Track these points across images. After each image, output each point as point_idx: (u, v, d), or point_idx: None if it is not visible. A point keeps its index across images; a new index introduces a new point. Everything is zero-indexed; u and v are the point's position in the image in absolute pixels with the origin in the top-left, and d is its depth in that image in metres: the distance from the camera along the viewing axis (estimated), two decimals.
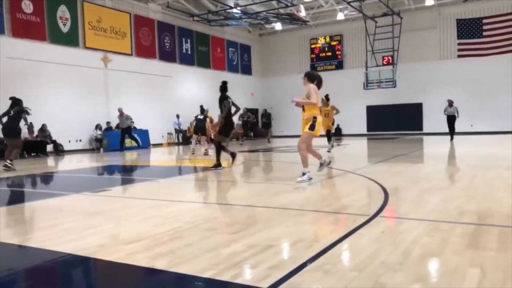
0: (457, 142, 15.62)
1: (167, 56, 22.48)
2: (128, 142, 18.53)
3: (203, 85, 24.15)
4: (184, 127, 22.24)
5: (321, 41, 27.90)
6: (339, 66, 27.44)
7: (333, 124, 13.27)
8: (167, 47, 22.53)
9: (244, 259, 2.77)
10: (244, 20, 25.17)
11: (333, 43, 27.68)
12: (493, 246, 2.90)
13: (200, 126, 13.68)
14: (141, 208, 4.95)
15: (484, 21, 23.05)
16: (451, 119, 17.04)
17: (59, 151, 16.29)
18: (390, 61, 24.20)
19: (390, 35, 23.82)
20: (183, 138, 22.26)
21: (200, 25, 24.33)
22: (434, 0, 23.12)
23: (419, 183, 6.28)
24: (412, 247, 2.91)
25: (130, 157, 14.69)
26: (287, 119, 27.40)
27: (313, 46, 28.19)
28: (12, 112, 9.95)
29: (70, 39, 17.55)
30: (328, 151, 11.91)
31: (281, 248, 3.14)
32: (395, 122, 25.41)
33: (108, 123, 18.67)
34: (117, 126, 17.90)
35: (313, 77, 6.41)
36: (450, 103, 17.10)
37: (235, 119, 11.67)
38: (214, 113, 19.92)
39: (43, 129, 15.88)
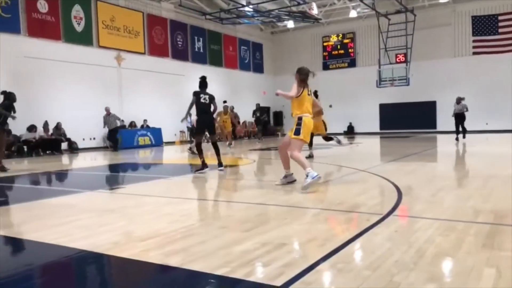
0: (472, 141, 15.40)
1: (180, 54, 22.58)
2: (141, 140, 18.70)
3: (215, 83, 24.12)
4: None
5: (334, 39, 27.75)
6: (352, 64, 27.27)
7: (325, 126, 10.13)
8: (180, 45, 22.63)
9: (257, 257, 2.78)
10: (256, 18, 25.14)
11: (346, 40, 27.51)
12: (509, 246, 2.85)
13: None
14: (154, 205, 4.99)
15: (500, 17, 22.67)
16: (459, 118, 15.52)
17: (73, 149, 16.50)
18: (403, 59, 23.95)
19: (403, 32, 23.56)
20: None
21: (212, 24, 24.38)
22: None
23: (433, 182, 6.21)
24: (426, 246, 2.88)
25: (143, 155, 14.81)
26: None
27: (325, 44, 28.04)
28: None
29: (84, 38, 17.74)
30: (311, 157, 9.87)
31: (293, 246, 3.14)
32: (409, 120, 25.16)
33: (121, 121, 18.84)
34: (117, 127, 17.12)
35: (297, 71, 5.75)
36: (458, 100, 15.62)
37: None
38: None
39: (57, 127, 16.09)
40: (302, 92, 5.66)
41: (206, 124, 8.10)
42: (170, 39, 22.05)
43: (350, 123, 27.32)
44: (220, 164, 8.03)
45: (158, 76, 20.88)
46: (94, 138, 18.13)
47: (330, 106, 28.01)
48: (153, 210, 4.79)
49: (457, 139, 15.44)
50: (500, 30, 22.68)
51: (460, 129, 15.66)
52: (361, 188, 5.58)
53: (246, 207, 4.59)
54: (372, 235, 3.27)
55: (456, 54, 24.11)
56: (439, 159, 10.53)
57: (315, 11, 23.05)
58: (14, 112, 9.53)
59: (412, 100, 24.94)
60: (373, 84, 24.48)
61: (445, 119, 23.49)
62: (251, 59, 28.21)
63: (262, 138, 20.79)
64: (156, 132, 19.69)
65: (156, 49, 21.18)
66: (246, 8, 23.03)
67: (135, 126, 19.42)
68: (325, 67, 27.87)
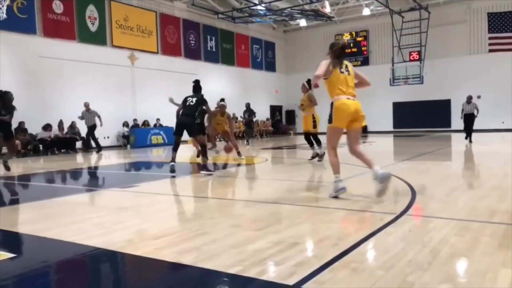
0: (488, 140, 15.17)
1: (192, 53, 22.68)
2: (154, 138, 18.84)
3: (227, 82, 24.27)
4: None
5: (347, 37, 27.55)
6: (365, 62, 27.06)
7: (314, 122, 8.89)
8: (192, 44, 22.73)
9: (270, 256, 2.78)
10: (269, 17, 25.11)
11: (359, 39, 27.33)
12: None
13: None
14: (167, 204, 5.03)
15: None
16: (468, 118, 14.53)
17: (87, 147, 16.69)
18: (417, 57, 23.69)
19: (417, 30, 23.30)
20: (208, 135, 22.39)
21: (225, 23, 24.43)
22: None
23: (448, 181, 6.15)
24: (440, 246, 2.85)
25: (156, 153, 14.92)
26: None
27: None
28: None
29: (98, 38, 17.93)
30: (314, 158, 9.04)
31: (306, 245, 3.14)
32: (422, 119, 24.90)
33: (134, 120, 19.03)
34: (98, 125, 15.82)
35: (330, 47, 4.95)
36: (469, 100, 14.63)
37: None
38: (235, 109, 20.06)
39: (72, 126, 16.29)
40: (332, 72, 4.75)
41: (183, 126, 8.03)
42: (183, 38, 22.15)
43: None
44: (203, 166, 7.90)
45: (171, 75, 20.99)
46: (108, 137, 18.31)
47: None
48: (166, 208, 4.83)
49: (468, 138, 14.43)
50: None
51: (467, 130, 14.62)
52: (374, 187, 5.54)
53: (258, 205, 4.60)
54: (386, 234, 3.25)
55: (471, 51, 23.77)
56: (453, 158, 10.41)
57: (327, 9, 22.94)
58: (9, 112, 8.72)
59: (426, 99, 24.67)
60: (386, 82, 24.25)
61: (459, 118, 23.21)
62: (264, 57, 28.19)
63: (250, 140, 18.31)
64: (169, 131, 19.78)
65: (168, 48, 21.31)
66: (259, 7, 23.01)
67: (148, 125, 19.57)
68: None
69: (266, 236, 3.25)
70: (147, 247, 3.12)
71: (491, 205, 4.14)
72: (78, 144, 16.43)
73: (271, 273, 2.51)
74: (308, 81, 8.75)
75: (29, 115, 14.65)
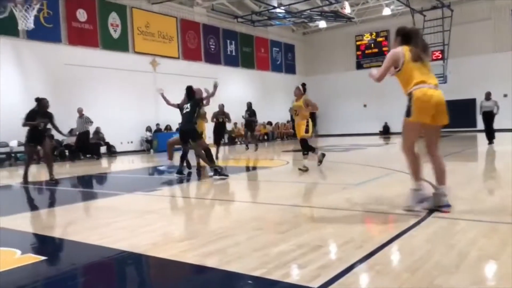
0: None
1: (212, 58, 22.85)
2: None
3: (247, 85, 24.33)
4: (229, 127, 22.50)
5: (367, 37, 27.29)
6: None
7: (307, 127, 8.32)
8: (212, 49, 22.91)
9: (293, 259, 2.78)
10: (288, 19, 25.09)
11: (380, 39, 27.01)
12: None
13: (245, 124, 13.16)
14: (190, 207, 5.08)
15: None
16: (488, 116, 13.31)
17: (112, 152, 16.99)
18: (440, 56, 23.26)
19: (440, 28, 22.86)
20: (229, 138, 22.51)
21: (244, 26, 24.53)
22: None
23: (474, 182, 6.01)
24: (468, 249, 2.80)
25: (177, 158, 15.05)
26: (332, 117, 27.13)
27: (358, 43, 27.62)
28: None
29: (121, 45, 18.27)
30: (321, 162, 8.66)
31: (330, 248, 3.12)
32: None
33: (157, 125, 19.28)
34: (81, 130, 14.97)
35: (396, 32, 4.28)
36: (487, 96, 13.52)
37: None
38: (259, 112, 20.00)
39: (97, 131, 16.62)
40: (403, 64, 4.00)
41: (184, 133, 8.44)
42: (203, 43, 22.35)
43: (386, 123, 26.76)
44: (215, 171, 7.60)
45: (192, 80, 20.93)
46: (131, 142, 18.61)
47: (365, 105, 27.51)
48: (189, 211, 4.88)
49: (491, 142, 13.12)
50: None
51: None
52: (398, 189, 5.47)
53: (281, 208, 4.60)
54: (411, 236, 3.20)
55: (496, 49, 23.19)
56: (479, 159, 10.17)
57: (347, 10, 22.77)
58: (46, 118, 8.65)
59: (450, 98, 23.66)
60: None
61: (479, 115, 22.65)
62: (283, 60, 28.17)
63: (253, 143, 15.72)
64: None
65: (189, 53, 21.53)
66: (278, 10, 23.02)
67: (170, 129, 19.80)
68: (359, 66, 27.44)
69: (289, 239, 3.25)
70: (171, 250, 3.17)
71: None
72: (103, 149, 16.74)
73: (295, 276, 2.51)
74: (303, 85, 8.53)
75: (56, 121, 14.97)
